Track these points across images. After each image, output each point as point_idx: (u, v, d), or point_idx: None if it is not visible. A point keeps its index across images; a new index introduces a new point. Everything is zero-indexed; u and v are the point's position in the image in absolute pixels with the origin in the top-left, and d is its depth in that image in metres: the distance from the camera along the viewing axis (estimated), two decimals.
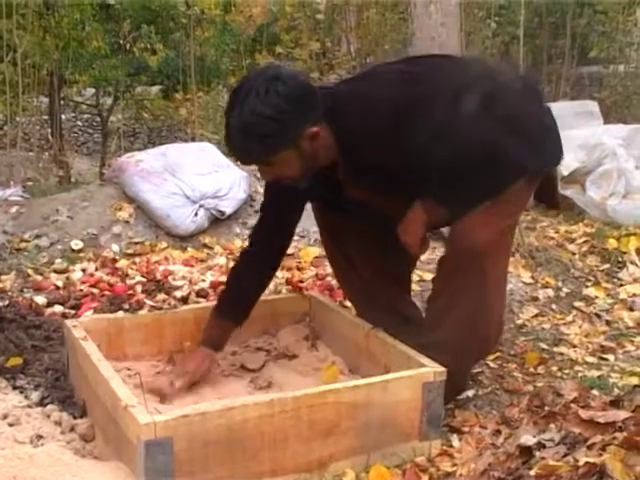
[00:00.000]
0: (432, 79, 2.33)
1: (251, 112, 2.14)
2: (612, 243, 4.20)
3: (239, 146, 2.24)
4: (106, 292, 3.42)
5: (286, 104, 2.16)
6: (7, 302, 3.23)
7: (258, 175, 4.86)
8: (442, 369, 2.25)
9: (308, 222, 4.28)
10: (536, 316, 3.40)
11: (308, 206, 2.64)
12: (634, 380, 2.81)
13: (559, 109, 5.18)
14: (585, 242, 4.23)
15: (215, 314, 2.60)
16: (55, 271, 3.79)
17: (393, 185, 2.33)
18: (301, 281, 3.64)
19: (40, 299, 3.34)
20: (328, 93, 2.33)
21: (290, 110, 2.17)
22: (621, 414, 1.82)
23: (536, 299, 3.56)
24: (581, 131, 5.00)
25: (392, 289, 2.75)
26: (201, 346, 2.56)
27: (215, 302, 2.70)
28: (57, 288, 3.54)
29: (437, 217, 2.37)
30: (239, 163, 3.95)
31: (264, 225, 2.65)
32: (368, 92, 2.35)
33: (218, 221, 4.38)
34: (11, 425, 2.22)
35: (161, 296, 3.34)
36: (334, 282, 3.61)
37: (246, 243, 2.70)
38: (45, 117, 8.99)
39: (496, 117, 2.19)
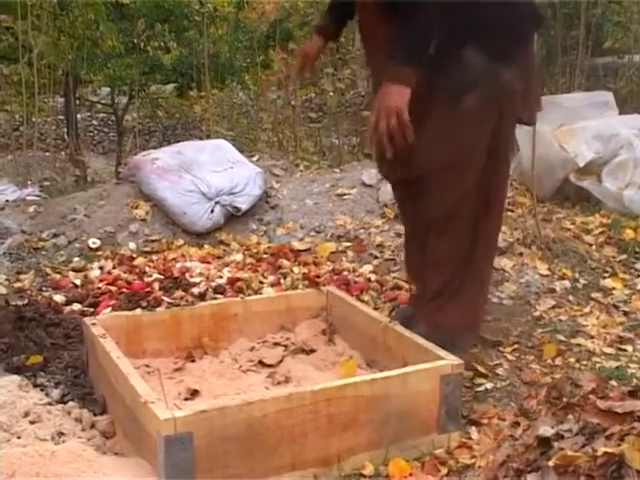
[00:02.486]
0: None
1: None
2: (629, 234, 4.18)
3: None
4: (124, 290, 3.44)
5: None
6: (26, 301, 3.26)
7: (273, 171, 4.89)
8: (459, 361, 2.26)
9: (325, 218, 4.32)
10: (553, 308, 3.39)
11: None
12: None
13: (574, 100, 5.17)
14: (602, 233, 4.21)
15: (327, 12, 3.08)
16: (73, 269, 3.81)
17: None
18: (318, 276, 3.65)
19: (59, 297, 3.38)
20: None
21: None
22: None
23: (553, 291, 3.55)
24: (596, 122, 4.95)
25: None
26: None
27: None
28: (75, 286, 3.57)
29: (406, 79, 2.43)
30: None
31: None
32: None
33: (234, 217, 4.38)
34: (32, 423, 2.24)
35: (178, 293, 3.36)
36: (350, 277, 3.63)
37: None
38: (61, 117, 9.02)
39: None
